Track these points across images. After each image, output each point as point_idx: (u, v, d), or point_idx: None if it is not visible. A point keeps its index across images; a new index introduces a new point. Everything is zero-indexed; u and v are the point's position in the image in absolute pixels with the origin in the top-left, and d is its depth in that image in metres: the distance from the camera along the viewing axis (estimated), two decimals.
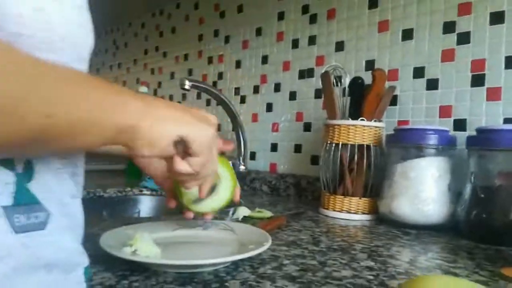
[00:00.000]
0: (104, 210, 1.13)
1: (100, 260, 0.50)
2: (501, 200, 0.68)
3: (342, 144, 0.90)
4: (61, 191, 0.35)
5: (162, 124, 0.38)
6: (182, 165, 0.43)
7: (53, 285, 0.34)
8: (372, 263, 0.55)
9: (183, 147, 0.42)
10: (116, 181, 1.38)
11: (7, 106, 0.25)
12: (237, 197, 0.59)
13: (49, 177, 0.34)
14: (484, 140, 0.71)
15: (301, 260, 0.55)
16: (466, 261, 0.58)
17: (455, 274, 0.51)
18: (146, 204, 1.24)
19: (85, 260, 0.38)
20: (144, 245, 0.52)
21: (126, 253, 0.50)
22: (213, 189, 0.55)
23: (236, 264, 0.51)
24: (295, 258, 0.56)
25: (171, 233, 0.63)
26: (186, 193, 0.55)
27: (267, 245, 0.52)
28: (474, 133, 0.76)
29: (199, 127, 0.42)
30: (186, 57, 1.68)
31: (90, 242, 0.57)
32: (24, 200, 0.31)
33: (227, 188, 0.57)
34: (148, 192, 1.25)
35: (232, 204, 1.04)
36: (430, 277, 0.28)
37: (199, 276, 0.47)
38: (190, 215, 0.57)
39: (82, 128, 0.30)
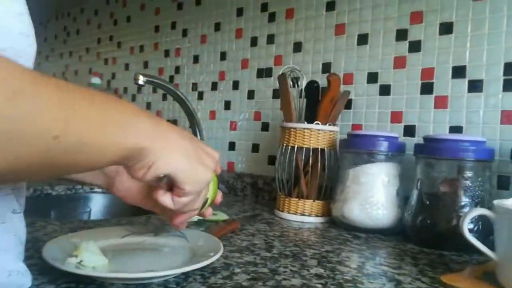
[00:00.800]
0: (51, 210, 1.08)
1: (44, 271, 0.47)
2: (445, 206, 0.71)
3: (297, 147, 0.91)
4: (1, 208, 0.33)
5: (167, 154, 0.37)
6: (165, 200, 0.43)
7: None
8: (321, 270, 0.56)
9: (171, 181, 0.41)
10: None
11: (11, 131, 0.24)
12: (218, 201, 0.60)
13: None
14: (430, 148, 0.74)
15: (253, 268, 0.55)
16: (410, 267, 0.60)
17: (399, 281, 0.53)
18: (97, 203, 1.20)
19: (27, 281, 0.36)
20: (90, 255, 0.50)
21: (70, 264, 0.48)
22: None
23: (186, 274, 0.51)
24: (247, 265, 0.56)
25: (120, 240, 0.61)
26: None
27: (217, 255, 0.52)
28: (422, 139, 0.79)
29: (198, 172, 0.41)
30: (141, 48, 1.62)
31: (35, 249, 0.55)
32: None
33: (209, 192, 0.55)
34: (100, 190, 1.21)
35: None
36: None
37: (148, 287, 0.46)
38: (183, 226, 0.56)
39: (89, 150, 0.30)
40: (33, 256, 0.53)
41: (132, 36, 1.66)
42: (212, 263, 0.54)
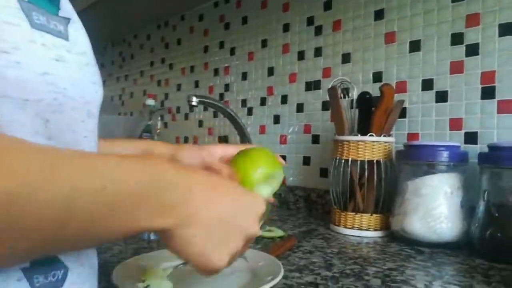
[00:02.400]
0: None
1: None
2: None
3: (351, 160, 0.89)
4: (82, 251, 0.35)
5: (185, 237, 0.34)
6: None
7: None
8: None
9: None
10: None
11: (20, 199, 0.23)
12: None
13: None
14: (497, 157, 0.70)
15: None
16: (482, 285, 0.57)
17: None
18: None
19: None
20: (157, 280, 0.52)
21: None
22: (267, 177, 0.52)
23: None
24: (308, 286, 0.55)
25: (180, 260, 0.63)
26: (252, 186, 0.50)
27: (278, 278, 0.52)
28: (485, 146, 0.75)
29: (243, 243, 0.38)
30: (192, 69, 1.68)
31: (103, 272, 0.58)
32: (42, 259, 0.31)
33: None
34: None
35: None
36: None
37: None
38: None
39: (112, 229, 0.29)
40: (102, 280, 0.56)
41: (183, 57, 1.72)
42: (272, 286, 0.55)
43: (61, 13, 0.33)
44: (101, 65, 2.27)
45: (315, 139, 1.20)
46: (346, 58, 1.13)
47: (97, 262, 0.39)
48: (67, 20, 0.34)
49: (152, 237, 0.82)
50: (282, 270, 0.54)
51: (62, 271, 0.32)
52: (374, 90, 0.98)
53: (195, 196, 0.34)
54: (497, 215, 0.69)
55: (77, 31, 0.35)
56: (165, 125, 1.79)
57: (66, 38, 0.33)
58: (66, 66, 0.32)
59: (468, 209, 0.77)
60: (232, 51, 1.49)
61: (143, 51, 1.99)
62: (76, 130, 0.33)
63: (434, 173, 0.78)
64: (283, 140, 1.29)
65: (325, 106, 1.18)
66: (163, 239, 0.34)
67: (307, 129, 1.23)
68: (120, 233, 0.30)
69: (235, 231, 0.38)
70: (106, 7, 1.66)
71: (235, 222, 0.38)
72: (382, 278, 0.59)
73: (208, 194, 0.35)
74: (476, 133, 0.88)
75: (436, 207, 0.76)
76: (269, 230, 0.87)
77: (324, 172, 1.17)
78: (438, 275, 0.62)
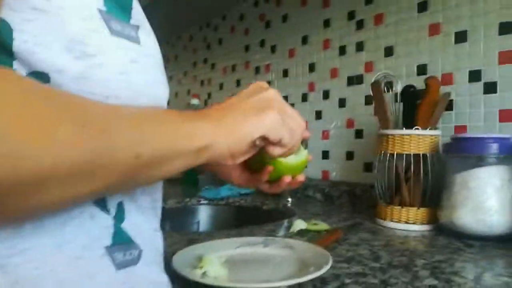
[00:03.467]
0: (166, 222, 1.19)
1: (172, 280, 0.54)
2: None
3: (397, 154, 0.89)
4: (147, 227, 0.40)
5: (233, 134, 0.39)
6: (276, 151, 0.45)
7: None
8: (435, 282, 0.55)
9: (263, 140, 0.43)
10: (173, 191, 1.45)
11: (96, 161, 0.27)
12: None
13: (137, 216, 0.38)
14: None
15: (363, 279, 0.56)
16: None
17: None
18: (204, 214, 1.30)
19: None
20: (213, 267, 0.56)
21: (197, 275, 0.54)
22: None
23: (298, 285, 0.54)
24: (356, 276, 0.57)
25: (235, 251, 0.66)
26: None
27: (327, 266, 0.54)
28: None
29: (264, 119, 0.42)
30: (233, 68, 1.72)
31: (165, 260, 0.62)
32: (121, 240, 0.35)
33: (303, 155, 0.56)
34: (206, 202, 1.31)
35: (286, 215, 1.06)
36: None
37: None
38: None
39: (167, 160, 0.34)
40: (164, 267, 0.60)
41: (224, 57, 1.77)
42: (321, 274, 0.57)
43: (132, 22, 0.38)
44: None
45: (359, 134, 1.21)
46: (388, 52, 1.12)
47: (163, 253, 0.43)
48: (137, 27, 0.38)
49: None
50: (331, 260, 0.56)
51: (137, 251, 0.36)
52: (418, 83, 0.97)
53: (214, 114, 0.40)
54: None
55: (147, 36, 0.39)
56: None
57: (138, 42, 0.37)
58: (139, 67, 0.36)
59: None
60: (273, 49, 1.52)
61: (186, 52, 2.05)
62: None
63: (483, 165, 0.77)
64: (325, 135, 1.31)
65: (368, 100, 1.17)
66: (223, 158, 0.39)
67: (350, 123, 1.23)
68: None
69: (253, 102, 0.43)
70: (148, 11, 1.74)
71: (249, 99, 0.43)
72: (431, 270, 0.60)
73: (219, 107, 0.42)
74: None
75: (486, 200, 0.75)
76: (315, 224, 0.89)
77: (368, 167, 1.17)
78: (489, 267, 0.61)
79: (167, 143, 0.33)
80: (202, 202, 1.31)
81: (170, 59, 2.20)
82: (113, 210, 0.36)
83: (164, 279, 0.40)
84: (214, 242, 0.69)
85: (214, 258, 0.58)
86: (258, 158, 0.50)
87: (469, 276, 0.57)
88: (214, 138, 0.37)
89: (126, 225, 0.36)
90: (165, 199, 1.26)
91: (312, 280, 0.55)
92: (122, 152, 0.29)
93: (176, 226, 1.21)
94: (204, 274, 0.55)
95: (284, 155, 0.47)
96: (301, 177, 0.55)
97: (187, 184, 1.57)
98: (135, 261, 0.36)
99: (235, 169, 0.59)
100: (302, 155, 0.55)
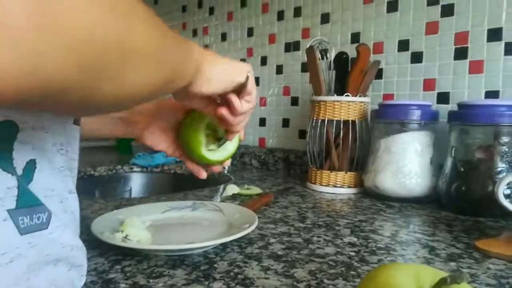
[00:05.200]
0: (95, 189, 1.14)
1: (93, 245, 0.51)
2: (480, 173, 0.70)
3: (328, 120, 0.91)
4: (60, 189, 0.36)
5: (215, 68, 0.44)
6: (244, 106, 0.49)
7: (60, 278, 0.35)
8: (354, 239, 0.57)
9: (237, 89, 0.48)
10: (105, 158, 1.38)
11: (154, 55, 0.30)
12: (242, 137, 0.62)
13: (50, 176, 0.35)
14: (465, 115, 0.73)
15: (287, 238, 0.57)
16: (444, 233, 0.61)
17: (433, 248, 0.54)
18: (137, 182, 1.25)
19: (84, 255, 0.39)
20: (135, 230, 0.54)
21: (117, 239, 0.52)
22: (221, 143, 0.57)
23: (224, 245, 0.54)
24: (281, 236, 0.58)
25: (161, 216, 0.65)
26: (199, 146, 0.56)
27: (253, 226, 0.54)
28: (456, 106, 0.78)
29: (244, 67, 0.47)
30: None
31: (84, 226, 0.59)
32: (27, 203, 0.32)
33: (234, 141, 0.59)
34: (139, 169, 1.27)
35: (222, 181, 1.06)
36: (390, 268, 0.28)
37: (189, 258, 0.49)
38: (204, 175, 0.61)
39: (180, 73, 0.37)
40: (83, 233, 0.57)
41: (160, 17, 1.67)
42: (248, 234, 0.57)
43: None
44: None
45: (294, 101, 1.22)
46: (325, 18, 1.12)
47: (79, 211, 0.40)
48: None
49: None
50: (257, 220, 0.57)
51: (46, 214, 0.33)
52: (352, 51, 0.98)
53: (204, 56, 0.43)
54: (462, 170, 0.73)
55: None
56: None
57: None
58: None
59: (437, 166, 0.81)
60: (211, 11, 1.46)
61: None
62: None
63: (405, 131, 0.80)
64: (263, 102, 1.30)
65: (304, 68, 1.18)
66: (202, 81, 0.43)
67: (286, 91, 1.24)
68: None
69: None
70: None
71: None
72: (352, 228, 0.63)
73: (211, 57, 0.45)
74: (448, 93, 0.90)
75: (407, 164, 0.80)
76: (247, 188, 0.89)
77: (302, 134, 1.19)
78: (405, 225, 0.65)
79: (180, 57, 0.36)
80: (135, 169, 1.27)
81: None
82: (19, 170, 0.32)
83: (77, 243, 0.38)
84: (139, 207, 0.67)
85: (136, 222, 0.56)
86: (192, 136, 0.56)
87: (385, 233, 0.61)
88: (202, 62, 0.42)
89: (34, 186, 0.33)
90: (95, 166, 1.21)
91: (238, 241, 0.55)
92: (167, 57, 0.33)
93: (106, 194, 1.16)
94: (125, 237, 0.53)
95: (236, 125, 0.52)
96: (227, 163, 0.62)
97: (120, 151, 1.51)
98: (44, 225, 0.33)
99: (164, 140, 0.61)
100: (229, 149, 0.58)
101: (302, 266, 0.47)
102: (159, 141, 0.61)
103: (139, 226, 0.55)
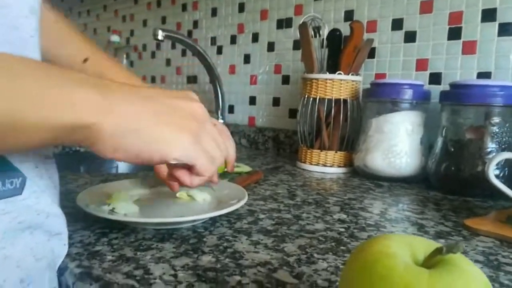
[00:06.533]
0: (81, 165, 1.12)
1: (78, 218, 0.50)
2: (470, 153, 0.70)
3: (319, 98, 0.90)
4: (35, 154, 0.35)
5: (126, 135, 0.31)
6: (194, 181, 0.38)
7: (39, 246, 0.34)
8: (344, 216, 0.57)
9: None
10: None
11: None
12: (230, 168, 0.52)
13: None
14: (456, 95, 0.72)
15: (277, 214, 0.57)
16: (433, 212, 0.61)
17: (421, 225, 0.54)
18: None
19: (63, 224, 0.38)
20: (122, 203, 0.52)
21: (104, 211, 0.51)
22: None
23: (214, 220, 0.53)
24: (270, 212, 0.58)
25: (149, 191, 0.63)
26: None
27: (243, 201, 0.54)
28: (448, 87, 0.77)
29: (176, 141, 0.34)
30: (159, 3, 1.60)
31: (68, 199, 0.58)
32: None
33: None
34: None
35: None
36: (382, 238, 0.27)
37: (177, 232, 0.49)
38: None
39: (25, 128, 0.27)
40: (67, 206, 0.55)
41: None
42: (237, 210, 0.56)
43: None
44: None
45: (285, 80, 1.20)
46: None
47: (58, 176, 0.39)
48: None
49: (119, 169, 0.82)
50: (247, 195, 0.56)
51: (20, 179, 0.32)
52: (345, 29, 0.96)
53: (113, 92, 0.31)
54: (452, 150, 0.73)
55: None
56: (131, 63, 1.73)
57: None
58: None
59: (427, 146, 0.81)
60: None
61: None
62: (20, 28, 0.32)
63: (397, 110, 0.80)
64: (253, 80, 1.28)
65: (296, 45, 1.16)
66: (102, 149, 0.31)
67: (277, 69, 1.22)
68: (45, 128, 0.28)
69: (181, 110, 0.35)
70: None
71: (178, 103, 0.35)
72: (342, 206, 0.62)
73: (127, 90, 0.33)
74: (440, 73, 0.90)
75: (397, 143, 0.79)
76: (237, 166, 0.88)
77: (293, 113, 1.18)
78: (394, 204, 0.65)
79: (25, 108, 0.26)
80: None
81: None
82: None
83: (55, 210, 0.36)
84: (127, 181, 0.66)
85: (124, 195, 0.54)
86: None
87: (375, 211, 0.61)
88: (98, 120, 0.29)
89: None
90: None
91: (227, 216, 0.54)
92: None
93: (92, 171, 1.14)
94: (112, 210, 0.52)
95: (197, 184, 0.40)
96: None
97: None
98: (18, 190, 0.32)
99: None
100: None
101: (292, 241, 0.47)
102: None
103: (126, 200, 0.54)
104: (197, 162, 0.36)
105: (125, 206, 0.53)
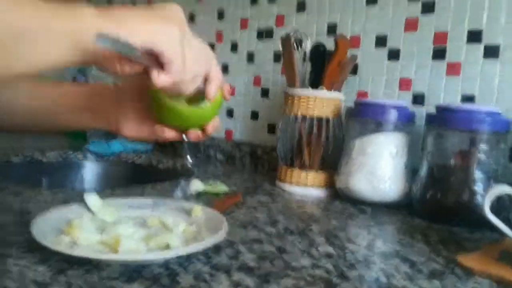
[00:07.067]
0: (43, 177, 1.03)
1: (34, 248, 0.44)
2: (456, 180, 0.68)
3: (301, 115, 0.86)
4: None
5: (124, 29, 0.35)
6: (161, 79, 0.38)
7: None
8: (330, 249, 0.53)
9: (154, 57, 0.38)
10: (57, 143, 1.26)
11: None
12: (227, 97, 0.54)
13: None
14: (443, 119, 0.70)
15: (258, 245, 0.52)
16: (421, 244, 0.57)
17: (413, 262, 0.51)
18: (91, 171, 1.15)
19: None
20: (84, 233, 0.46)
21: (63, 243, 0.45)
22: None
23: (189, 254, 0.47)
24: (252, 243, 0.53)
25: (116, 215, 0.57)
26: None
27: (222, 233, 0.48)
28: (431, 107, 0.75)
29: (163, 31, 0.37)
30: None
31: (24, 223, 0.50)
32: None
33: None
34: (93, 157, 1.17)
35: (184, 174, 0.99)
36: None
37: (147, 268, 0.43)
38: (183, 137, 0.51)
39: (36, 34, 0.31)
40: (22, 232, 0.49)
41: None
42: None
43: None
44: None
45: (265, 93, 1.16)
46: (301, 7, 1.07)
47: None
48: None
49: None
50: (226, 226, 0.51)
51: None
52: (328, 42, 0.93)
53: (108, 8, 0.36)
54: (438, 176, 0.70)
55: None
56: None
57: None
58: None
59: (411, 170, 0.78)
60: None
61: None
62: None
63: (381, 131, 0.77)
64: (231, 92, 1.23)
65: (277, 57, 1.12)
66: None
67: (257, 81, 1.17)
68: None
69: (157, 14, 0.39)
70: None
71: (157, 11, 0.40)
72: (327, 236, 0.58)
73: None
74: (423, 94, 0.88)
75: (381, 166, 0.76)
76: (211, 185, 0.83)
77: (272, 129, 1.13)
78: (380, 234, 0.62)
79: (37, 16, 0.31)
80: (89, 157, 1.17)
81: None
82: None
83: None
84: (91, 201, 0.59)
85: (87, 222, 0.48)
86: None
87: (362, 243, 0.57)
88: (100, 24, 0.33)
89: None
90: (44, 151, 1.10)
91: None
92: None
93: (55, 184, 1.05)
94: (73, 242, 0.46)
95: (169, 88, 0.40)
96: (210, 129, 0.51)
97: (73, 136, 1.39)
98: None
99: (130, 120, 0.52)
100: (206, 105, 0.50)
101: (277, 281, 0.42)
102: (138, 129, 0.52)
103: (89, 228, 0.48)
104: (175, 58, 0.38)
105: (88, 236, 0.47)
